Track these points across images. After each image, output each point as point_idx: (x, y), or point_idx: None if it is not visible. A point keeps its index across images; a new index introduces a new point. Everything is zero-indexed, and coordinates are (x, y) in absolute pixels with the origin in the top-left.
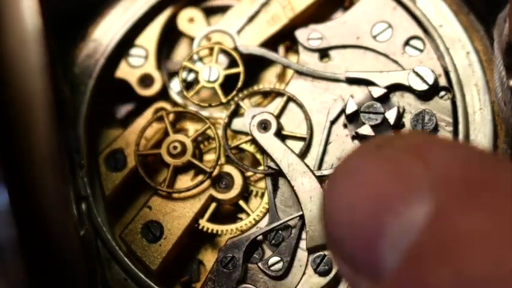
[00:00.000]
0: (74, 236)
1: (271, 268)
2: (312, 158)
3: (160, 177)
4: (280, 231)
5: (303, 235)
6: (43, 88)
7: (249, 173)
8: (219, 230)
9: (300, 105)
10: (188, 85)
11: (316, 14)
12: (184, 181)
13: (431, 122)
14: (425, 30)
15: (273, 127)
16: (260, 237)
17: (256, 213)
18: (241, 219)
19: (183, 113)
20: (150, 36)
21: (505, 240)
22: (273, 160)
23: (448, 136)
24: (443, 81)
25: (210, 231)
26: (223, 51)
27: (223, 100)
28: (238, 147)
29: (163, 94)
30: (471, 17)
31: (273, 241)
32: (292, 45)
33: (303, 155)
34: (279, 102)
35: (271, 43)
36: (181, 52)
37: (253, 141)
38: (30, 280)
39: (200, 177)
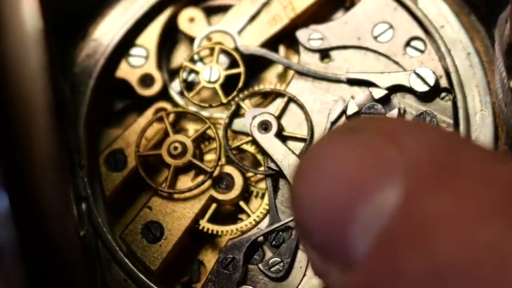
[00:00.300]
0: (74, 236)
1: (272, 269)
2: None
3: (161, 177)
4: (280, 233)
5: None
6: (43, 88)
7: (249, 174)
8: (219, 231)
9: (301, 106)
10: (189, 85)
11: (317, 14)
12: (185, 181)
13: (432, 124)
14: (426, 31)
15: (274, 128)
16: (261, 238)
17: (257, 214)
18: (241, 219)
19: (183, 113)
20: (151, 36)
21: (470, 223)
22: (273, 161)
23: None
24: (444, 83)
25: (210, 231)
26: (224, 52)
27: (224, 100)
28: (238, 148)
29: (164, 94)
30: (472, 18)
31: (273, 242)
32: (293, 45)
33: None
34: (279, 102)
35: (272, 43)
36: (181, 52)
37: (254, 141)
38: (30, 281)
39: (201, 178)
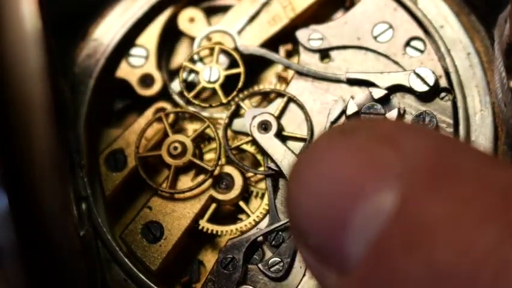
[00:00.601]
0: (74, 236)
1: (271, 269)
2: None
3: (161, 177)
4: (280, 233)
5: None
6: (43, 88)
7: (249, 174)
8: (219, 231)
9: (301, 106)
10: (189, 85)
11: (317, 14)
12: (184, 181)
13: (431, 124)
14: (426, 31)
15: (274, 128)
16: (260, 238)
17: (257, 214)
18: (241, 220)
19: (183, 113)
20: (151, 36)
21: (468, 228)
22: (273, 161)
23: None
24: (443, 83)
25: (209, 231)
26: (224, 52)
27: (224, 100)
28: (238, 148)
29: (164, 94)
30: (472, 18)
31: (273, 242)
32: (294, 47)
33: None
34: (279, 102)
35: (272, 43)
36: (181, 52)
37: (254, 141)
38: (30, 281)
39: (201, 177)
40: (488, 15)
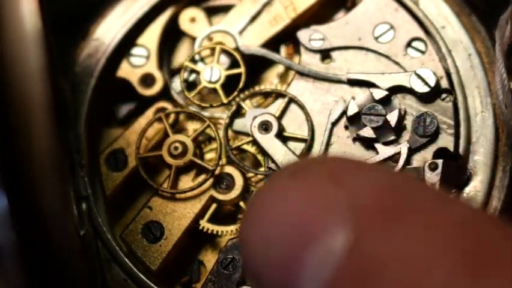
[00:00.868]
0: (74, 236)
1: None
2: None
3: (161, 177)
4: None
5: None
6: (43, 88)
7: (250, 174)
8: (219, 231)
9: (302, 107)
10: (190, 85)
11: (318, 14)
12: (185, 181)
13: (432, 125)
14: (427, 32)
15: (274, 128)
16: None
17: None
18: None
19: (183, 113)
20: (152, 36)
21: (420, 265)
22: (274, 161)
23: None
24: (444, 83)
25: (210, 231)
26: (225, 52)
27: (225, 101)
28: (239, 148)
29: (165, 94)
30: (473, 18)
31: None
32: (295, 48)
33: (304, 156)
34: (280, 103)
35: (273, 43)
36: (182, 52)
37: (254, 142)
38: (29, 281)
39: (202, 177)
40: (489, 16)
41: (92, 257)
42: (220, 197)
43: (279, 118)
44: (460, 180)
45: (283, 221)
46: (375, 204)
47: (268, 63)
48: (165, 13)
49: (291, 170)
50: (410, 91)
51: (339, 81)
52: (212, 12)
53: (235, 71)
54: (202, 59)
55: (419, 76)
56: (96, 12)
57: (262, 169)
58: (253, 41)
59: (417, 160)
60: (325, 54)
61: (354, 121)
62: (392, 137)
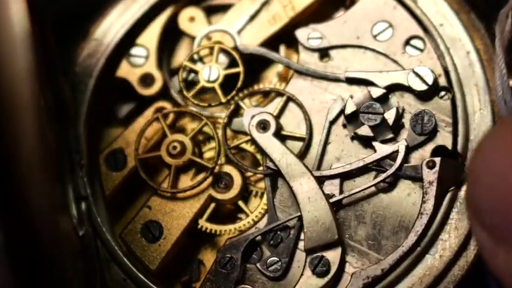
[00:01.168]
0: (67, 235)
1: (270, 269)
2: (312, 158)
3: (161, 176)
4: (278, 232)
5: (302, 236)
6: (30, 89)
7: (248, 173)
8: (218, 230)
9: (300, 105)
10: (189, 84)
11: (317, 13)
12: (184, 181)
13: (430, 123)
14: (426, 30)
15: (272, 127)
16: (259, 237)
17: (255, 213)
18: (240, 219)
19: (181, 113)
20: (151, 36)
21: None
22: (271, 160)
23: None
24: (443, 81)
25: (208, 231)
26: (224, 51)
27: (223, 100)
28: (238, 147)
29: (164, 93)
30: (472, 16)
31: (271, 242)
32: (292, 44)
33: (302, 155)
34: (278, 101)
35: (272, 42)
36: (182, 51)
37: (253, 141)
38: (17, 280)
39: (202, 175)
40: (488, 13)
41: (92, 256)
42: (219, 196)
43: (277, 117)
44: (458, 178)
45: None
46: None
47: (267, 62)
48: (164, 13)
49: None
50: (408, 89)
51: (337, 80)
52: (211, 11)
53: (233, 70)
54: (201, 59)
55: (417, 74)
56: (96, 12)
57: (260, 168)
58: (252, 40)
59: (415, 158)
60: (323, 53)
61: (352, 119)
62: (390, 135)
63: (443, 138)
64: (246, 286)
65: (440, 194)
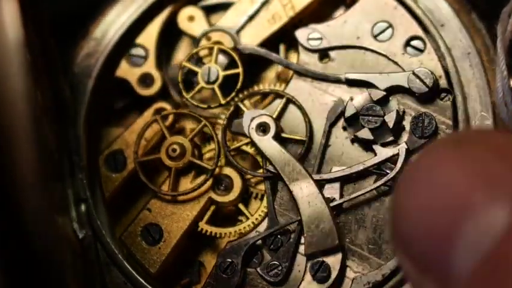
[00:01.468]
0: (62, 238)
1: (270, 273)
2: (311, 161)
3: (161, 178)
4: (279, 236)
5: (303, 240)
6: (23, 93)
7: (248, 175)
8: (218, 233)
9: (300, 107)
10: (189, 85)
11: (317, 12)
12: (184, 183)
13: (430, 126)
14: (426, 30)
15: (272, 130)
16: (259, 241)
17: (255, 216)
18: (241, 221)
19: (181, 114)
20: (150, 36)
21: None
22: (271, 164)
23: None
24: (443, 83)
25: (209, 233)
26: (223, 51)
27: (222, 101)
28: (238, 149)
29: (164, 94)
30: (473, 16)
31: (271, 246)
32: (292, 44)
33: (302, 158)
34: (278, 103)
35: (272, 42)
36: (182, 51)
37: (253, 143)
38: (7, 281)
39: (201, 178)
40: (489, 13)
41: (91, 259)
42: (219, 198)
43: (277, 119)
44: None
45: (444, 188)
46: None
47: (268, 62)
48: (163, 12)
49: (454, 140)
50: (408, 91)
51: (337, 81)
52: (211, 10)
53: (233, 71)
54: (200, 59)
55: (417, 76)
56: (95, 11)
57: (260, 171)
58: (251, 40)
59: None
60: (323, 54)
61: (352, 122)
62: (391, 138)
63: None
64: None
65: None
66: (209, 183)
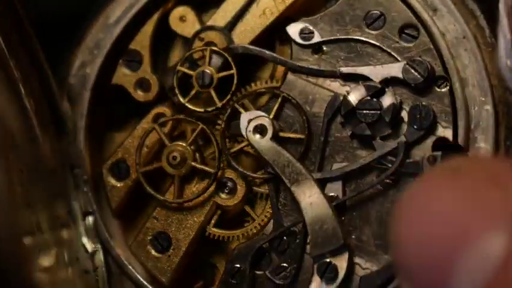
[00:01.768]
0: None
1: (278, 276)
2: (312, 160)
3: (165, 185)
4: (285, 238)
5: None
6: None
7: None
8: (226, 236)
9: (296, 105)
10: (189, 86)
11: (309, 4)
12: (188, 189)
13: (428, 116)
14: (419, 17)
15: (269, 131)
16: (266, 244)
17: (261, 217)
18: (248, 222)
19: (179, 119)
20: (143, 40)
21: None
22: (271, 165)
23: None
24: (439, 70)
25: (217, 237)
26: (216, 53)
27: (219, 104)
28: (239, 151)
29: (162, 97)
30: None
31: (278, 248)
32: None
33: (301, 157)
34: (275, 102)
35: (266, 37)
36: (178, 53)
37: (251, 145)
38: None
39: (206, 181)
40: None
41: (101, 272)
42: (224, 202)
43: (275, 118)
44: None
45: (439, 221)
46: None
47: (264, 60)
48: (154, 15)
49: (447, 168)
50: (403, 82)
51: (332, 76)
52: (202, 8)
53: (226, 73)
54: (195, 61)
55: (411, 66)
56: (88, 18)
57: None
58: (244, 37)
59: (416, 153)
60: (316, 48)
61: (350, 117)
62: (389, 131)
63: (444, 129)
64: None
65: None
66: (213, 187)
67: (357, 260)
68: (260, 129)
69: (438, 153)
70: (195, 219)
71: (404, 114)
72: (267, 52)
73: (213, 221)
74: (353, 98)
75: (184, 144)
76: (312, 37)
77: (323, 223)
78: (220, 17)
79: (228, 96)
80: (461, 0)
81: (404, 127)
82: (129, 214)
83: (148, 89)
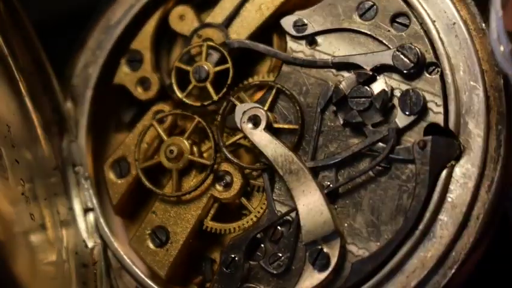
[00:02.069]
0: None
1: (272, 265)
2: (305, 149)
3: (166, 179)
4: (278, 227)
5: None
6: None
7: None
8: (223, 229)
9: (290, 96)
10: (184, 83)
11: None
12: (187, 183)
13: (419, 101)
14: (409, 4)
15: (263, 122)
16: (260, 234)
17: (257, 209)
18: (245, 215)
19: (177, 114)
20: (144, 39)
21: None
22: (265, 156)
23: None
24: (430, 57)
25: (214, 231)
26: (212, 48)
27: (215, 98)
28: (235, 143)
29: (163, 95)
30: None
31: (272, 237)
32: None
33: (295, 147)
34: (269, 94)
35: (264, 32)
36: (179, 52)
37: (246, 137)
38: None
39: (203, 175)
40: None
41: (101, 267)
42: (221, 195)
43: (269, 110)
44: (452, 155)
45: None
46: None
47: (261, 54)
48: (154, 15)
49: None
50: (394, 69)
51: (326, 66)
52: (201, 6)
53: (222, 67)
54: (192, 58)
55: (401, 52)
56: (90, 18)
57: (257, 164)
58: (242, 32)
59: (408, 139)
60: (310, 40)
61: (342, 106)
62: (380, 118)
63: (435, 115)
64: (251, 285)
65: (435, 174)
66: (210, 179)
67: (350, 247)
68: (254, 120)
69: (429, 137)
70: (193, 212)
71: (396, 101)
72: (261, 45)
73: (210, 214)
74: (345, 85)
75: (181, 138)
76: (306, 29)
77: (315, 210)
78: (218, 14)
79: (224, 90)
80: None
81: (396, 113)
82: (129, 210)
83: (149, 88)
